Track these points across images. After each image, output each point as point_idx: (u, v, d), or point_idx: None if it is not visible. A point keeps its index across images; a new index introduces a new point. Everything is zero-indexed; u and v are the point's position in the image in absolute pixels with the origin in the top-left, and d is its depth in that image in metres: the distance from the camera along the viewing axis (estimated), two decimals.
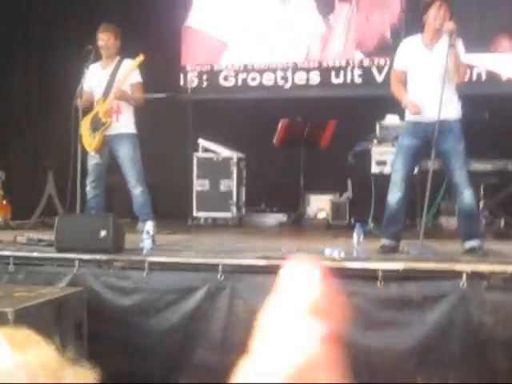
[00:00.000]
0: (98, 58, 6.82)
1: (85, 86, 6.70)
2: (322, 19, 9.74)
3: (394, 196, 5.77)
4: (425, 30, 5.80)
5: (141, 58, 6.70)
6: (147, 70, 7.00)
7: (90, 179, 6.77)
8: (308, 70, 9.81)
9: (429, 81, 5.67)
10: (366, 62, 9.60)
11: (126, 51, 6.89)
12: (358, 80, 9.63)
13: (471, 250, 5.60)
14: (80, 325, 5.05)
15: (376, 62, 9.55)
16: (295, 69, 9.82)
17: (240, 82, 10.06)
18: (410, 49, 5.86)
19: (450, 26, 5.56)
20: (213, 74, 10.10)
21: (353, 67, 9.63)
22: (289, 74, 9.83)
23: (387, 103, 7.18)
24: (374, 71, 9.56)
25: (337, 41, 9.73)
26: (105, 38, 6.75)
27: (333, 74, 9.70)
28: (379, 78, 9.52)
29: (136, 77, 6.79)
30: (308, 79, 9.81)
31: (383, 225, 5.92)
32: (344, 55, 9.67)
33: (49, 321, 4.67)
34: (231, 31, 9.99)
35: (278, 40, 9.82)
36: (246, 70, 10.02)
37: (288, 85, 9.83)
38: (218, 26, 10.02)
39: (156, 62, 8.91)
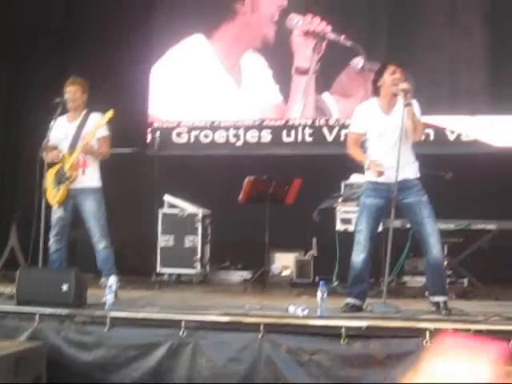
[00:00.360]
0: (65, 111, 6.80)
1: (51, 138, 6.69)
2: (278, 89, 10.05)
3: (359, 256, 5.78)
4: (381, 94, 5.83)
5: (110, 113, 6.68)
6: (114, 124, 7.00)
7: (53, 233, 6.70)
8: (271, 128, 10.00)
9: (388, 144, 5.71)
10: (317, 122, 9.91)
11: (93, 105, 6.88)
12: (308, 139, 9.90)
13: (436, 305, 5.64)
14: (39, 379, 4.95)
15: (327, 123, 9.88)
16: (248, 127, 10.08)
17: (205, 140, 10.16)
18: (368, 113, 5.88)
19: (404, 85, 5.65)
20: (177, 132, 10.20)
21: (304, 127, 9.87)
22: (241, 132, 10.09)
23: (353, 162, 7.26)
24: (325, 131, 9.86)
25: (294, 109, 9.99)
26: (72, 91, 6.74)
27: (284, 132, 9.99)
28: (329, 138, 9.82)
29: (103, 131, 6.77)
30: (272, 137, 10.00)
31: (348, 284, 5.92)
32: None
33: (7, 375, 4.58)
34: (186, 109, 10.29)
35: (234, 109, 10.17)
36: (213, 127, 10.12)
37: (253, 141, 10.01)
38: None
39: (123, 117, 8.94)
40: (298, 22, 9.98)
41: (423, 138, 5.96)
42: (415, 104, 5.77)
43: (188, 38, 10.27)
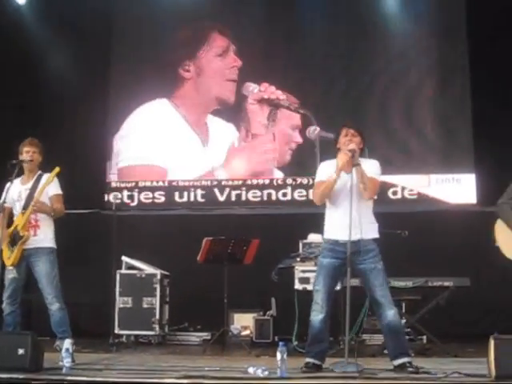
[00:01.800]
0: (19, 172, 6.76)
1: (6, 200, 6.65)
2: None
3: (317, 316, 5.78)
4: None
5: (56, 170, 6.65)
6: (71, 185, 6.98)
7: (6, 295, 6.60)
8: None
9: (346, 202, 5.73)
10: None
11: (50, 167, 6.84)
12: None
13: (401, 366, 5.62)
14: None
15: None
16: (204, 187, 10.17)
17: (162, 199, 10.19)
18: (331, 169, 5.92)
19: (350, 147, 5.75)
20: (134, 191, 10.23)
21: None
22: (198, 191, 10.19)
23: (310, 222, 7.31)
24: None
25: None
26: (30, 151, 6.74)
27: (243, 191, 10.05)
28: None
29: (55, 189, 6.74)
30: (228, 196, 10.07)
31: (307, 343, 5.90)
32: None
33: None
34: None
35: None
36: (170, 187, 10.17)
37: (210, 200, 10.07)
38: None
39: (81, 177, 8.97)
40: (254, 90, 10.14)
41: (375, 196, 5.99)
42: (373, 163, 5.89)
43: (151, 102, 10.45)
